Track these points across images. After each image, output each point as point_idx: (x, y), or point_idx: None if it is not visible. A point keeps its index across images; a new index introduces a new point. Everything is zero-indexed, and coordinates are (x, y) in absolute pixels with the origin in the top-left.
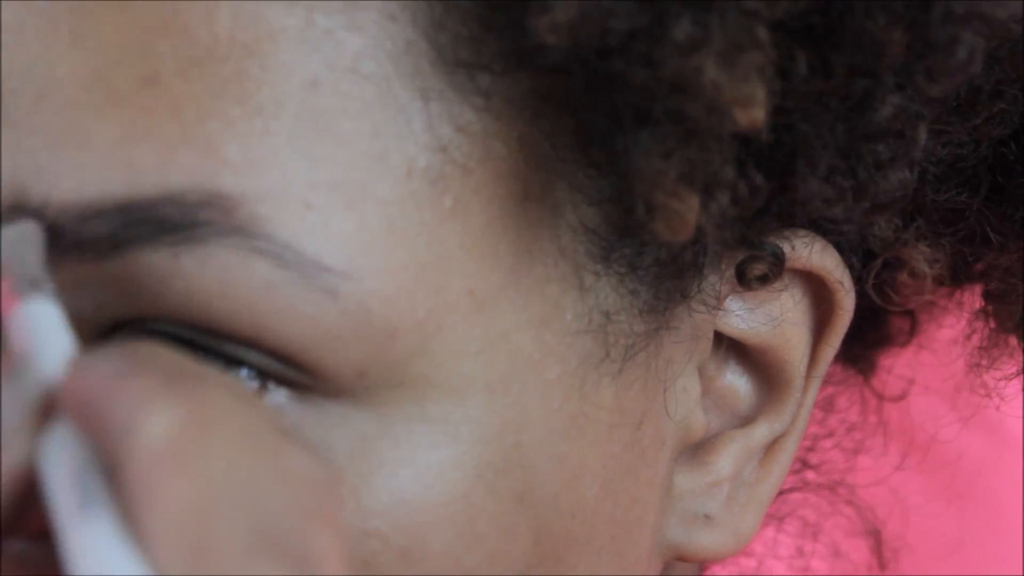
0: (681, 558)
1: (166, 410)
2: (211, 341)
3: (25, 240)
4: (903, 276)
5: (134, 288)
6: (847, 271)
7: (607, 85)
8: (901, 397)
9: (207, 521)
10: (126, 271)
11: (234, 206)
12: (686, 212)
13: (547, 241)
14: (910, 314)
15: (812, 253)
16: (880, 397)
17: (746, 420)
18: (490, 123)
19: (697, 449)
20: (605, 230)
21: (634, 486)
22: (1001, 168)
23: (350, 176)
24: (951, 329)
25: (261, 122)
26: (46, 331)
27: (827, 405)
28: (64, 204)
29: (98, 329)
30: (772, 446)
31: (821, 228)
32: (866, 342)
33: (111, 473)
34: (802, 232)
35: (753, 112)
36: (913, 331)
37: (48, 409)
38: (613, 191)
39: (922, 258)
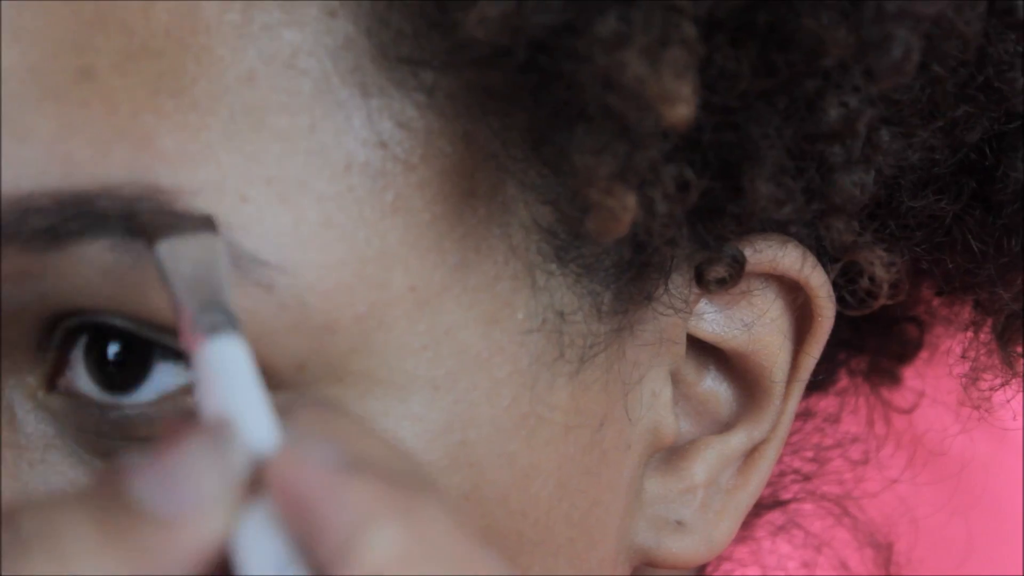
0: (650, 563)
1: (390, 529)
2: (152, 333)
3: (206, 257)
4: (863, 282)
5: (74, 280)
6: (825, 277)
7: (543, 81)
8: (910, 410)
9: None
10: (66, 264)
11: (170, 199)
12: (620, 210)
13: (497, 239)
14: (919, 325)
15: (784, 257)
16: (888, 406)
17: (726, 426)
18: (433, 120)
19: (671, 454)
20: (560, 229)
21: (594, 488)
22: (979, 175)
23: (286, 171)
24: (953, 340)
25: (196, 116)
26: (238, 382)
27: (832, 416)
28: (2, 196)
29: (41, 320)
30: (751, 454)
31: (790, 231)
32: (883, 355)
33: (320, 572)
34: (774, 236)
35: (679, 109)
36: (921, 342)
37: (250, 483)
38: (567, 190)
39: (878, 262)
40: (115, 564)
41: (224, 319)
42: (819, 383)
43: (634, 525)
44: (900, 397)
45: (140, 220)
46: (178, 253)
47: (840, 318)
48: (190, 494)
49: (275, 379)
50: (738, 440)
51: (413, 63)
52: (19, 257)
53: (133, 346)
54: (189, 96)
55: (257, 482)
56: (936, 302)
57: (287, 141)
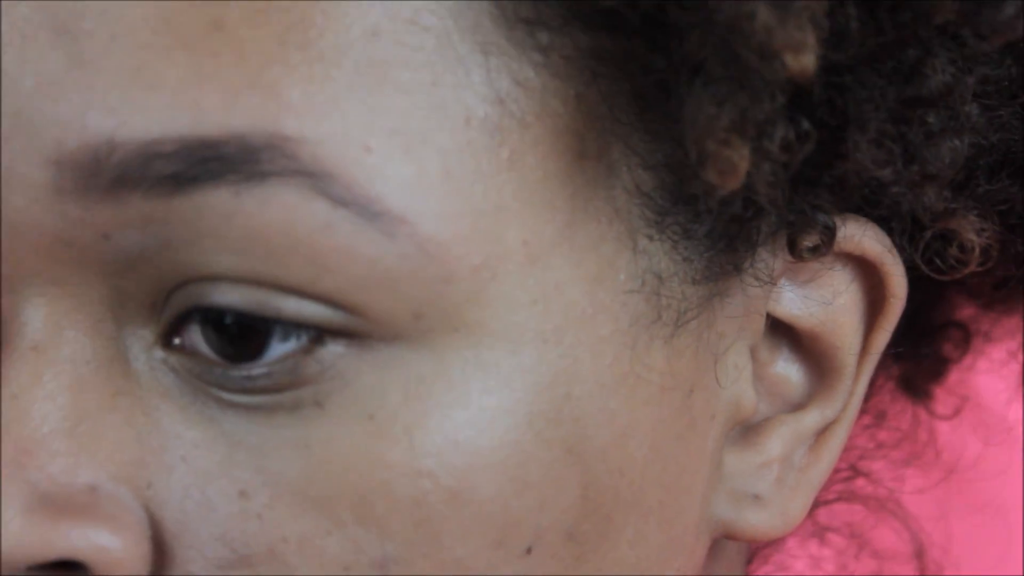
0: (729, 536)
1: None
2: (269, 301)
3: None
4: (952, 250)
5: (198, 226)
6: (899, 258)
7: (663, 37)
8: (953, 415)
9: None
10: (190, 209)
11: (295, 147)
12: (737, 160)
13: (602, 201)
14: (963, 329)
15: (864, 238)
16: (932, 415)
17: (798, 406)
18: (548, 79)
19: (747, 430)
20: (660, 195)
21: (683, 454)
22: None
23: (409, 123)
24: (1001, 343)
25: (322, 68)
26: None
27: (880, 414)
28: (130, 141)
29: (158, 275)
30: (823, 432)
31: (874, 207)
32: (920, 366)
33: None
34: (854, 217)
35: (804, 58)
36: (967, 347)
37: None
38: (668, 157)
39: (971, 228)
40: None
41: None
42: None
43: (715, 497)
44: (943, 403)
45: None
46: None
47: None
48: None
49: (392, 329)
50: (811, 419)
51: (530, 23)
52: (143, 203)
53: (249, 322)
54: (316, 49)
55: None
56: (975, 311)
57: (409, 95)
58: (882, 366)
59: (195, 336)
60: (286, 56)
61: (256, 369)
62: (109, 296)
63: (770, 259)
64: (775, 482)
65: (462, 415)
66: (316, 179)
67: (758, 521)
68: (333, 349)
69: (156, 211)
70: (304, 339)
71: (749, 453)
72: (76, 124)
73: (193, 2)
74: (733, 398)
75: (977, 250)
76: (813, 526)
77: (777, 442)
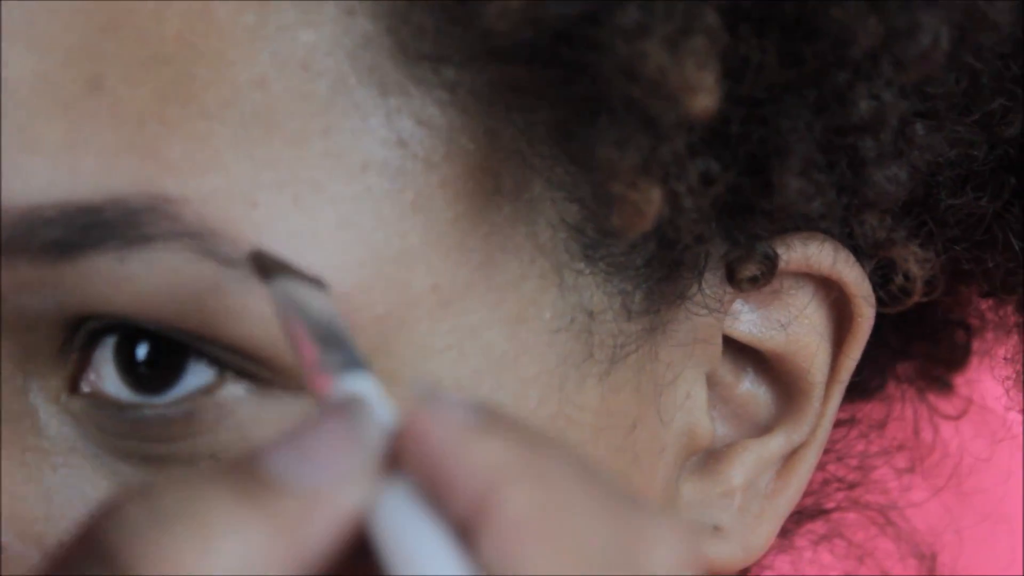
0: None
1: (525, 486)
2: (171, 332)
3: (320, 304)
4: (898, 279)
5: (87, 291)
6: (862, 275)
7: (566, 75)
8: (958, 416)
9: None
10: (77, 275)
11: (178, 208)
12: (644, 204)
13: (523, 237)
14: (967, 329)
15: (818, 255)
16: (935, 412)
17: (765, 430)
18: (455, 117)
19: (708, 458)
20: (588, 227)
21: (627, 490)
22: (1019, 171)
23: (299, 174)
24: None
25: (205, 124)
26: (371, 396)
27: (878, 423)
28: (13, 208)
29: (62, 325)
30: (791, 457)
31: (825, 229)
32: (932, 361)
33: (462, 533)
34: (808, 235)
35: (701, 99)
36: (969, 348)
37: (387, 458)
38: (592, 185)
39: (912, 258)
40: (258, 536)
41: (351, 358)
42: (868, 390)
43: None
44: (948, 404)
45: (257, 258)
46: (292, 295)
47: (887, 323)
48: (328, 469)
49: (296, 380)
50: (777, 443)
51: (434, 60)
52: (30, 269)
53: (165, 346)
54: (199, 103)
55: (395, 455)
56: (984, 306)
57: (300, 144)
58: (891, 370)
59: (104, 370)
60: (166, 114)
61: (153, 408)
62: (16, 352)
63: (719, 284)
64: (737, 511)
65: None
66: (201, 239)
67: (716, 553)
68: (234, 391)
69: (46, 276)
70: (208, 376)
71: (709, 482)
72: None
73: (72, 59)
74: (685, 427)
75: (920, 282)
76: (819, 533)
77: (740, 470)
